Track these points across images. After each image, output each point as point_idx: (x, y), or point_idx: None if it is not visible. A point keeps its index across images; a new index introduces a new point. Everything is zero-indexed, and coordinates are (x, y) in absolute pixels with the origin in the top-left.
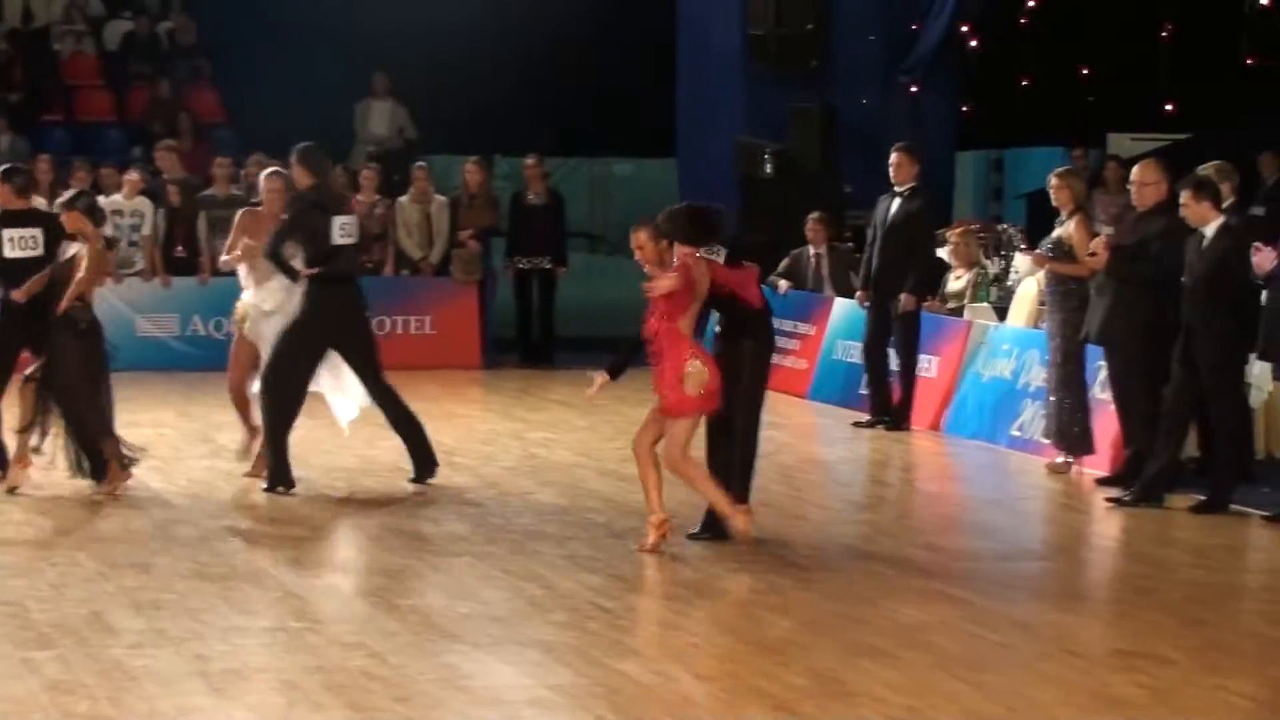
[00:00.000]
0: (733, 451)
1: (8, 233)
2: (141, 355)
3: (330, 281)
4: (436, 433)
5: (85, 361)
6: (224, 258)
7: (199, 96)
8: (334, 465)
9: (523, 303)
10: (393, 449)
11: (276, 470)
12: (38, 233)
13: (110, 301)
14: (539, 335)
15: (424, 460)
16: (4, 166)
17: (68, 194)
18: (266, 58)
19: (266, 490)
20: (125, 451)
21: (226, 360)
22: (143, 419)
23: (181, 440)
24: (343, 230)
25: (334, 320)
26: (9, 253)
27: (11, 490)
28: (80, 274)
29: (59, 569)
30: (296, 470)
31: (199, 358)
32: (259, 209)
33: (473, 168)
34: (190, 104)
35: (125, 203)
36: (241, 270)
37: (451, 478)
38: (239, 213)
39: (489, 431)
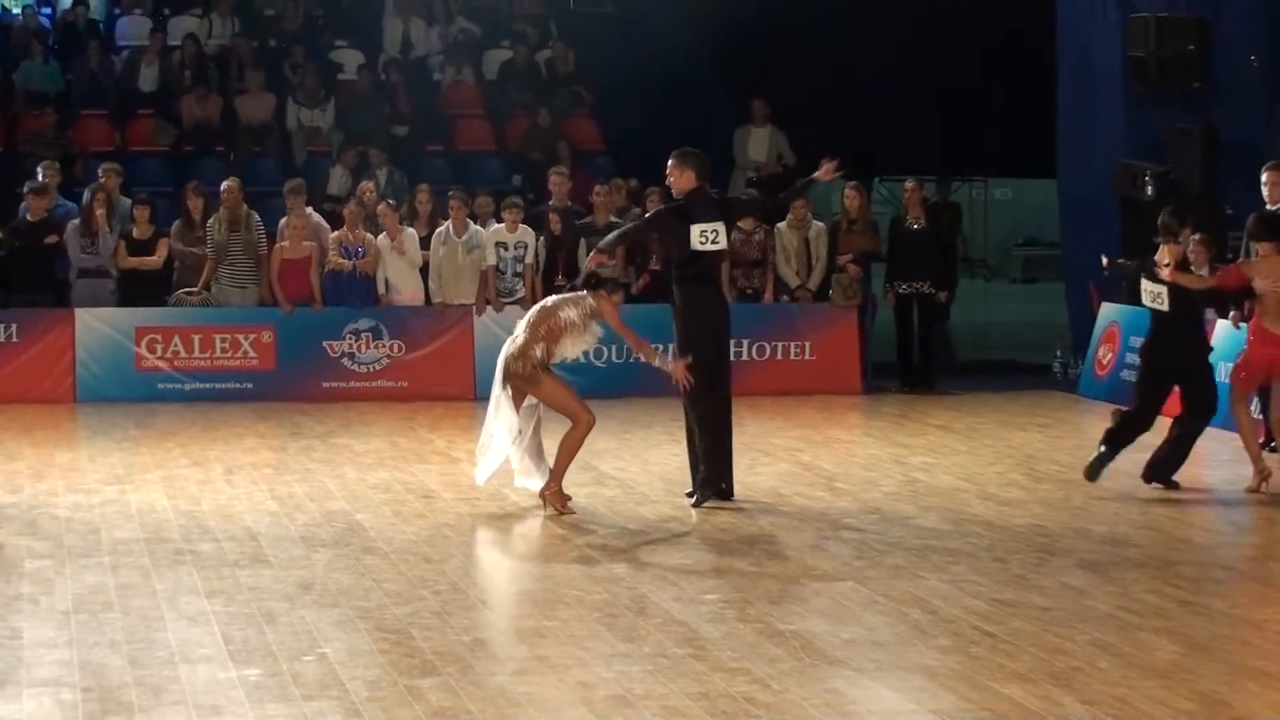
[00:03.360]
0: None
1: None
2: None
3: (688, 281)
4: (816, 458)
5: None
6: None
7: (578, 125)
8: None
9: (903, 328)
10: (773, 474)
11: (713, 478)
12: None
13: (491, 329)
14: (919, 360)
15: (706, 480)
16: None
17: None
18: (644, 85)
19: (696, 504)
20: None
21: (616, 388)
22: None
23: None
24: (704, 237)
25: (701, 314)
26: None
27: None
28: None
29: (441, 596)
30: (673, 496)
31: (583, 387)
32: None
33: (852, 192)
34: (569, 132)
35: (509, 235)
36: None
37: (833, 503)
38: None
39: (870, 457)
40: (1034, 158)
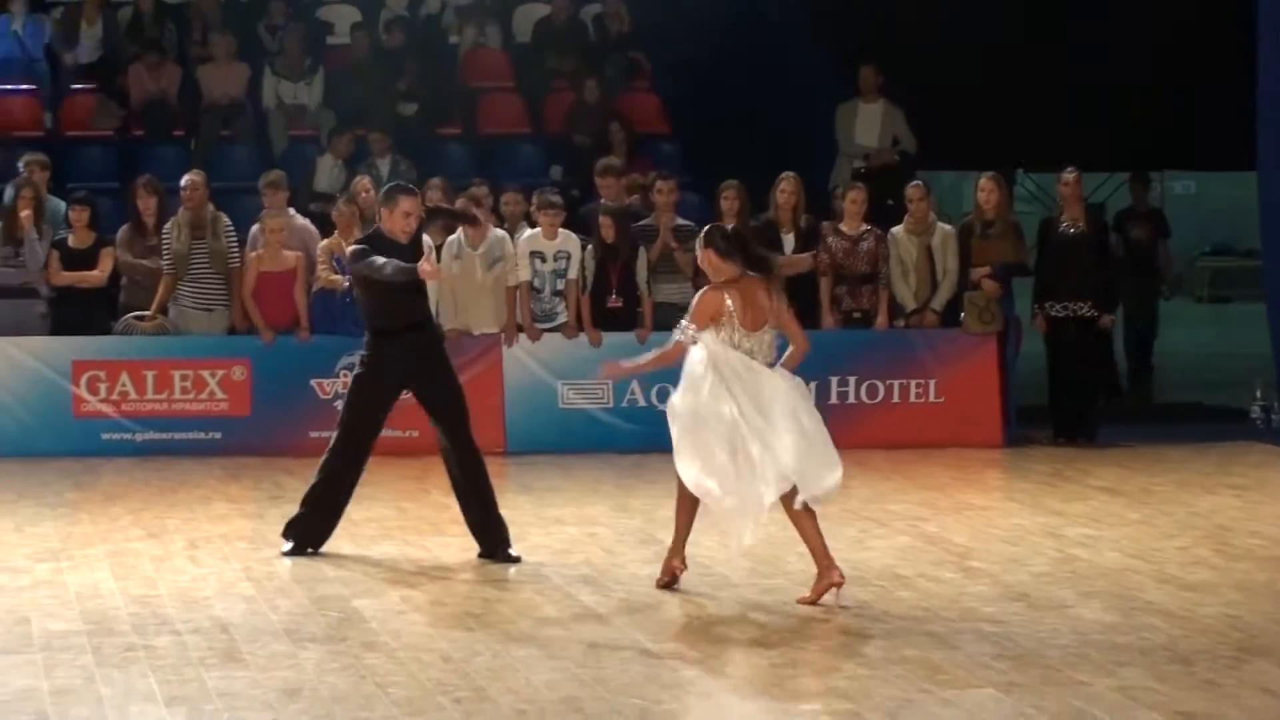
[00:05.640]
0: None
1: None
2: (565, 433)
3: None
4: (944, 529)
5: None
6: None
7: (635, 101)
8: (809, 569)
9: (1057, 361)
10: (889, 550)
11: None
12: None
13: (525, 363)
14: (1078, 403)
15: (492, 542)
16: None
17: None
18: (720, 49)
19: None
20: None
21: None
22: (567, 515)
23: (616, 541)
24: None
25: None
26: None
27: None
28: None
29: (464, 706)
30: (759, 578)
31: (637, 435)
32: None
33: (989, 185)
34: (624, 110)
35: (547, 243)
36: None
37: (967, 586)
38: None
39: (1014, 528)
40: (1224, 143)
